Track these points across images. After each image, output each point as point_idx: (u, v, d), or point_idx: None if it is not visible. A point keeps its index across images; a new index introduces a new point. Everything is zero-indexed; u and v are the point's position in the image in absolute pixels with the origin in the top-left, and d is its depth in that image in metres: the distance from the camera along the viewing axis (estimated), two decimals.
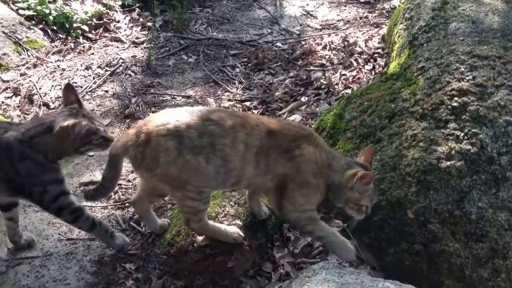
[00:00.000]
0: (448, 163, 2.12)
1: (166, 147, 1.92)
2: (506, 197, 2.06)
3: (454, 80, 2.27)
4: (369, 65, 3.68)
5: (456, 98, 2.22)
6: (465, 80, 2.25)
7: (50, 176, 2.14)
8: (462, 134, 2.15)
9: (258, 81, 3.77)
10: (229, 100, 3.56)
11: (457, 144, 2.14)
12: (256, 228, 2.33)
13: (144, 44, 4.38)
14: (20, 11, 4.46)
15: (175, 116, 1.98)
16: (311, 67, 3.84)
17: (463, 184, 2.09)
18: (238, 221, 2.29)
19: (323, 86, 3.54)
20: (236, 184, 2.07)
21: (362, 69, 3.65)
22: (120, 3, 4.95)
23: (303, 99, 3.47)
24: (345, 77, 3.61)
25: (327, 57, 3.95)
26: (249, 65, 4.00)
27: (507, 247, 2.04)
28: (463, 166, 2.10)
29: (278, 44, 4.31)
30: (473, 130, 2.13)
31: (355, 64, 3.74)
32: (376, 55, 3.77)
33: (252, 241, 2.29)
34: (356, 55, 3.85)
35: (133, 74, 3.97)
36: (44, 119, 2.14)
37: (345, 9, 4.98)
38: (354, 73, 3.63)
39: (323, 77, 3.64)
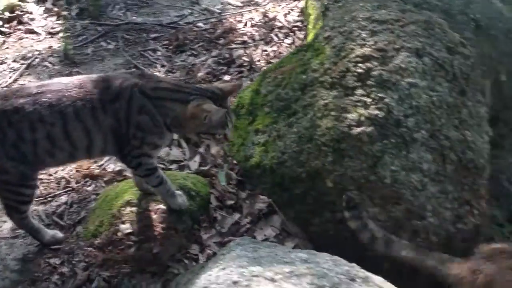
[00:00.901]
0: (359, 129, 2.16)
1: None
2: (416, 159, 2.13)
3: (357, 46, 2.31)
4: (289, 39, 3.69)
5: (360, 65, 2.26)
6: (367, 46, 2.29)
7: (154, 139, 2.10)
8: (369, 100, 2.19)
9: (181, 63, 3.71)
10: None
11: (366, 110, 2.18)
12: (182, 212, 2.31)
13: (60, 34, 4.22)
14: None
15: None
16: (233, 45, 3.81)
17: (375, 149, 2.15)
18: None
19: (245, 64, 3.53)
20: None
21: (282, 44, 3.66)
22: None
23: (226, 78, 3.45)
24: (266, 52, 3.61)
25: (248, 34, 3.93)
26: (170, 47, 3.93)
27: (423, 207, 2.12)
28: (373, 131, 2.15)
29: (200, 24, 4.25)
30: (379, 95, 2.18)
31: (275, 39, 3.75)
32: (295, 28, 3.78)
33: (177, 224, 2.28)
34: (276, 30, 3.85)
35: (50, 66, 3.83)
36: (184, 88, 2.12)
37: None
38: (275, 48, 3.64)
39: (245, 54, 3.63)
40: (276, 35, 3.79)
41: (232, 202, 2.43)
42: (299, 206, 2.27)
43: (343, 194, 2.15)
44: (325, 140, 2.22)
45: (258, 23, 4.03)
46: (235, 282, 1.36)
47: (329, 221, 2.19)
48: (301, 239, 2.26)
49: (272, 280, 1.40)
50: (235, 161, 2.57)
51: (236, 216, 2.34)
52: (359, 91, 2.23)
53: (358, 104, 2.21)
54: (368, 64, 2.25)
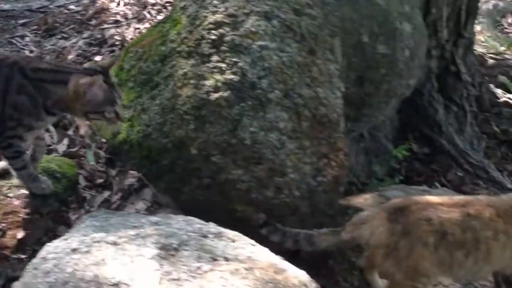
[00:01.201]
0: (217, 95, 2.20)
1: None
2: (273, 118, 2.21)
3: (210, 13, 2.33)
4: (162, 15, 3.67)
5: (213, 31, 2.29)
6: (219, 13, 2.32)
7: (31, 122, 2.01)
8: (224, 65, 2.23)
9: (50, 47, 3.58)
10: None
11: (222, 75, 2.22)
12: (47, 195, 2.25)
13: None
14: None
15: None
16: (105, 26, 3.74)
17: (233, 113, 2.20)
18: None
19: (117, 43, 3.48)
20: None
21: (155, 20, 3.64)
22: None
23: (97, 58, 3.37)
24: (139, 30, 3.58)
25: (121, 13, 3.87)
26: (39, 32, 3.78)
27: (284, 164, 2.20)
28: (230, 95, 2.20)
29: (71, 6, 4.12)
30: (233, 59, 2.23)
31: (148, 16, 3.72)
32: (167, 4, 3.77)
33: (42, 208, 2.22)
34: (149, 7, 3.83)
35: None
36: (62, 68, 2.04)
37: None
38: (147, 25, 3.61)
39: (117, 33, 3.56)
40: (149, 12, 3.76)
41: (101, 180, 2.41)
42: (168, 176, 2.29)
43: (208, 159, 2.20)
44: (187, 109, 2.24)
45: (131, 1, 3.97)
46: (74, 250, 1.36)
47: (198, 188, 2.23)
48: (172, 209, 2.29)
49: (115, 243, 1.41)
50: (103, 140, 2.54)
51: (106, 193, 2.33)
52: (215, 58, 2.26)
53: (215, 70, 2.25)
54: (221, 30, 2.29)
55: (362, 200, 2.66)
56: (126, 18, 3.72)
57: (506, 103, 4.47)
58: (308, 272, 2.29)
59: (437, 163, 3.83)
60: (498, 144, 4.46)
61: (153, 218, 1.64)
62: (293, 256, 2.38)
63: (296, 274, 1.56)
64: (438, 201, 1.96)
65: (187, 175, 2.23)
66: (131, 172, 2.37)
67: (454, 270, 1.93)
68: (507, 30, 6.66)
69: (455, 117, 4.19)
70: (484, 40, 5.66)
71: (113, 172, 2.40)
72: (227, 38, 2.27)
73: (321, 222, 2.51)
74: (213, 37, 2.29)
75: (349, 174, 3.56)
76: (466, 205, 1.92)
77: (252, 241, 1.71)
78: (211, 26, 2.31)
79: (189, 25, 2.40)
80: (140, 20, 3.65)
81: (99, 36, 3.55)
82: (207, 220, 1.86)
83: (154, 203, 2.29)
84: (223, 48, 2.27)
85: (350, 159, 2.39)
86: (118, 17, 3.76)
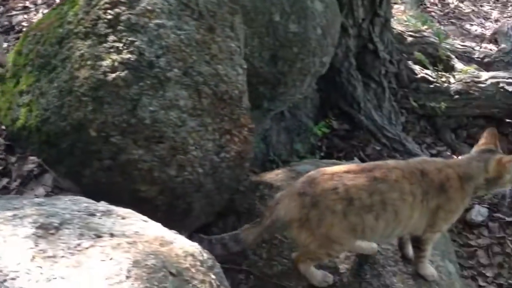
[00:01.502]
0: (114, 75, 2.17)
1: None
2: (173, 96, 2.20)
3: None
4: None
5: (109, 11, 2.26)
6: None
7: None
8: (121, 45, 2.20)
9: None
10: None
11: (119, 55, 2.19)
12: None
13: None
14: None
15: None
16: (13, 12, 3.60)
17: (132, 93, 2.17)
18: None
19: (24, 29, 3.36)
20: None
21: None
22: None
23: (4, 45, 3.25)
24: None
25: None
26: None
27: (186, 142, 2.20)
28: (128, 75, 2.17)
29: None
30: (130, 39, 2.20)
31: (58, 1, 3.60)
32: None
33: None
34: None
35: None
36: None
37: None
38: None
39: (25, 19, 3.45)
40: None
41: (0, 168, 2.33)
42: (68, 160, 2.24)
43: (108, 141, 2.17)
44: (84, 91, 2.20)
45: None
46: None
47: (99, 170, 2.20)
48: (74, 193, 2.25)
49: None
50: (3, 127, 2.46)
51: (5, 181, 2.25)
52: (111, 37, 2.23)
53: (111, 50, 2.21)
54: (117, 10, 2.25)
55: (273, 175, 2.71)
56: (35, 4, 3.60)
57: (423, 79, 4.63)
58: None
59: (356, 139, 3.95)
60: (418, 118, 4.63)
61: (37, 200, 1.61)
62: (205, 233, 2.41)
63: (184, 245, 1.57)
64: (344, 169, 2.02)
65: (87, 158, 2.20)
66: (31, 158, 2.31)
67: (368, 234, 2.00)
68: (430, 9, 6.89)
69: (374, 93, 4.32)
70: (406, 19, 5.83)
71: (12, 159, 2.33)
72: (123, 18, 2.24)
73: (231, 199, 2.55)
74: (109, 16, 2.26)
75: (267, 153, 3.63)
76: (372, 170, 1.99)
77: (145, 218, 1.71)
78: (107, 5, 2.27)
79: (86, 5, 2.35)
80: (50, 5, 3.53)
81: (6, 23, 3.43)
82: (111, 202, 1.84)
83: (55, 188, 2.25)
84: (119, 27, 2.23)
85: (255, 135, 2.41)
86: (27, 3, 3.63)
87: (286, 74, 3.17)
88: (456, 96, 4.52)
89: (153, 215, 2.21)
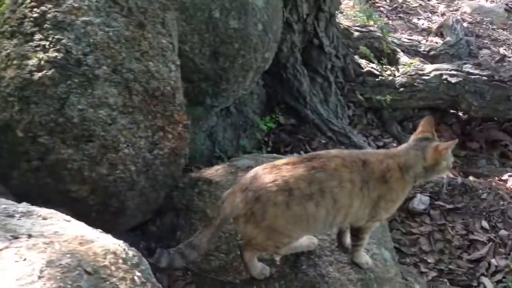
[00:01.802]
0: (40, 74, 2.14)
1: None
2: (102, 94, 2.18)
3: None
4: None
5: (35, 9, 2.22)
6: None
7: None
8: (48, 43, 2.17)
9: None
10: None
11: (45, 54, 2.16)
12: None
13: None
14: None
15: None
16: None
17: (59, 92, 2.14)
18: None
19: None
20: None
21: None
22: None
23: None
24: None
25: None
26: None
27: (116, 140, 2.18)
28: (54, 74, 2.14)
29: None
30: (56, 37, 2.17)
31: None
32: None
33: None
34: None
35: None
36: None
37: None
38: None
39: None
40: None
41: None
42: None
43: (36, 141, 2.13)
44: (10, 91, 2.16)
45: None
46: None
47: (28, 171, 2.16)
48: (3, 195, 2.19)
49: None
50: None
51: None
52: (38, 36, 2.19)
53: (38, 49, 2.18)
54: (43, 8, 2.22)
55: (213, 171, 2.72)
56: None
57: (369, 73, 4.72)
58: (156, 244, 2.32)
59: (303, 133, 3.99)
60: (364, 112, 4.71)
61: None
62: (143, 232, 2.39)
63: (105, 244, 1.55)
64: (284, 161, 2.04)
65: (15, 159, 2.16)
66: None
67: (311, 223, 2.01)
68: (378, 4, 7.02)
69: (320, 88, 4.37)
70: (354, 14, 5.92)
71: None
72: (50, 15, 2.20)
73: (170, 196, 2.54)
74: (35, 15, 2.22)
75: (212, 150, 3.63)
76: (311, 160, 2.02)
77: (68, 217, 1.68)
78: (33, 4, 2.24)
79: (12, 4, 2.31)
80: None
81: None
82: (42, 204, 1.81)
83: None
84: (46, 25, 2.20)
85: (189, 131, 2.41)
86: None
87: (228, 70, 3.18)
88: (401, 89, 4.62)
89: (87, 215, 2.20)
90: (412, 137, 2.15)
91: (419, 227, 3.44)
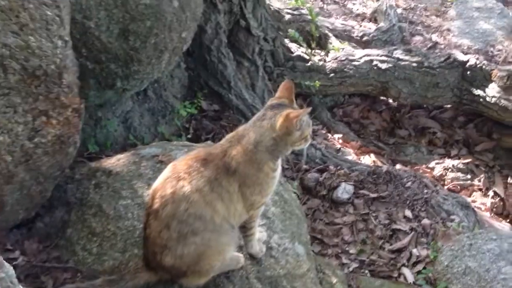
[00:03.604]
0: None
1: None
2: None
3: None
4: None
5: None
6: None
7: None
8: None
9: None
10: None
11: None
12: None
13: None
14: None
15: None
16: None
17: None
18: None
19: None
20: None
21: None
22: None
23: None
24: None
25: None
26: None
27: None
28: None
29: None
30: None
31: None
32: None
33: None
34: None
35: None
36: None
37: None
38: None
39: None
40: None
41: None
42: None
43: None
44: None
45: None
46: None
47: None
48: None
49: None
50: None
51: None
52: None
53: None
54: None
55: (115, 160, 2.47)
56: None
57: (299, 57, 4.57)
58: (42, 243, 2.07)
59: (226, 119, 3.79)
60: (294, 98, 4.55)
61: None
62: (29, 229, 2.13)
63: None
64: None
65: None
66: None
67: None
68: None
69: (247, 72, 4.18)
70: None
71: None
72: None
73: (63, 189, 2.29)
74: None
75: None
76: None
77: None
78: None
79: None
80: None
81: None
82: None
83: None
84: None
85: (81, 116, 2.15)
86: None
87: (139, 50, 2.93)
88: (332, 75, 4.51)
89: None
90: (268, 103, 1.90)
91: (342, 217, 3.34)
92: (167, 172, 1.85)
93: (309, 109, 1.81)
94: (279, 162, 1.92)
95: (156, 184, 1.84)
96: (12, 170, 1.94)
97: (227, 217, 1.83)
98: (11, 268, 1.45)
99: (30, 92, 1.97)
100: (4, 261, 1.43)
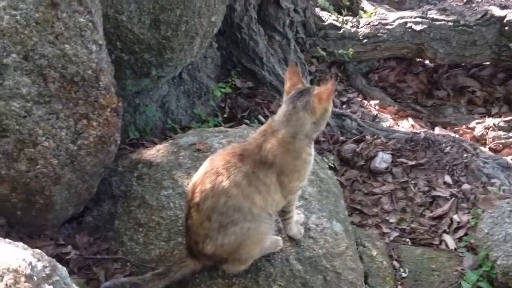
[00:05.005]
0: None
1: None
2: (13, 85, 2.00)
3: None
4: None
5: None
6: None
7: None
8: None
9: None
10: None
11: None
12: None
13: None
14: None
15: None
16: None
17: None
18: None
19: None
20: None
21: None
22: None
23: None
24: None
25: None
26: None
27: (34, 133, 2.03)
28: None
29: None
30: None
31: None
32: None
33: None
34: None
35: None
36: None
37: None
38: None
39: None
40: None
41: None
42: None
43: None
44: None
45: None
46: None
47: None
48: None
49: None
50: None
51: None
52: None
53: None
54: None
55: (154, 151, 2.58)
56: None
57: (331, 25, 4.52)
58: (92, 236, 2.21)
59: (261, 96, 3.84)
60: (328, 67, 4.54)
61: None
62: (79, 223, 2.28)
63: (4, 262, 1.42)
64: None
65: None
66: None
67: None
68: None
69: (278, 46, 4.19)
70: None
71: None
72: None
73: (108, 182, 2.42)
74: None
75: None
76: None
77: None
78: None
79: None
80: None
81: None
82: None
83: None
84: None
85: (120, 114, 2.24)
86: None
87: (171, 38, 2.99)
88: (365, 40, 4.45)
89: (12, 213, 2.08)
90: (285, 97, 1.94)
91: (381, 187, 3.36)
92: (205, 166, 1.93)
93: (335, 83, 1.85)
94: (313, 143, 1.99)
95: (195, 178, 1.94)
96: (59, 172, 2.08)
97: (264, 207, 1.91)
98: (64, 269, 1.56)
99: (70, 98, 2.08)
100: (58, 263, 1.55)
